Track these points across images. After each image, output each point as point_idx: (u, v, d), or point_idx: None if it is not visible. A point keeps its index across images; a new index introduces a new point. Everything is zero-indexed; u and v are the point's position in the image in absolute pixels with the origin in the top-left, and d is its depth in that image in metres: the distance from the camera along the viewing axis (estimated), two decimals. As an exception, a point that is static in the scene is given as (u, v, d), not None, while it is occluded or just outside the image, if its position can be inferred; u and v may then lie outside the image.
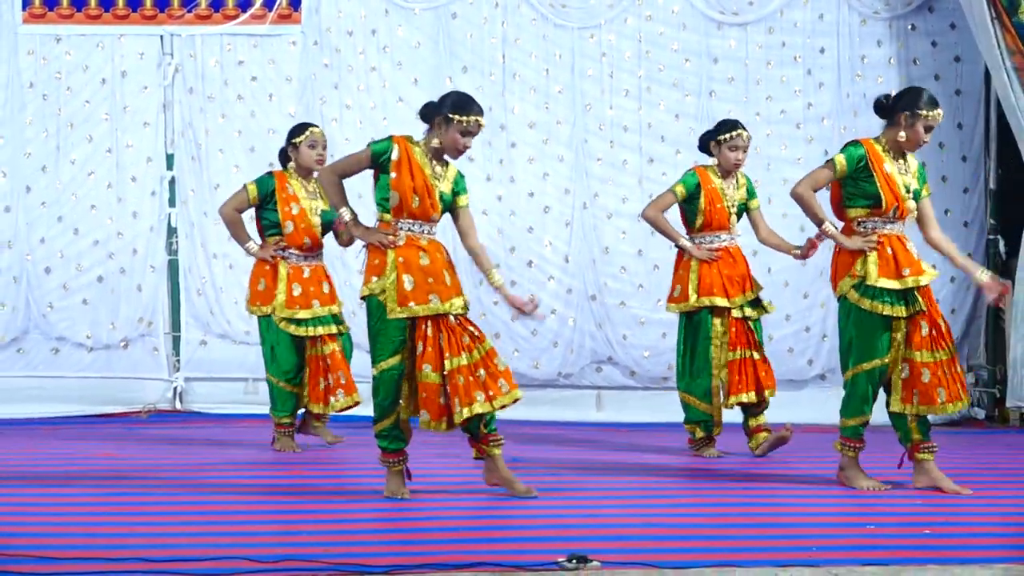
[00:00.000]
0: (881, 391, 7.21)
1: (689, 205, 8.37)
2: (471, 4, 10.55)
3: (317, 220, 8.51)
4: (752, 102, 10.56)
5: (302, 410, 8.70)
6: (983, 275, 7.34)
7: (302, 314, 8.47)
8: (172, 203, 10.57)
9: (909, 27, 10.61)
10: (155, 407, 10.47)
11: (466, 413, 6.70)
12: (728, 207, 8.40)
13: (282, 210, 8.44)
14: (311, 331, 8.53)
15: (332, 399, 8.60)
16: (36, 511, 6.55)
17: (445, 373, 6.71)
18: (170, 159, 10.58)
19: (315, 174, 8.42)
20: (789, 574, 5.29)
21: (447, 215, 6.93)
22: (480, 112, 6.81)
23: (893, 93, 7.24)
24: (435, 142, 6.81)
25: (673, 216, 8.50)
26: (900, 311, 7.07)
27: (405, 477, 6.88)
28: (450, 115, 6.75)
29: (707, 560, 5.49)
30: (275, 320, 8.48)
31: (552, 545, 5.59)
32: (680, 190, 8.33)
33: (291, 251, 8.51)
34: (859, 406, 7.13)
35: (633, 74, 10.60)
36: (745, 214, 8.50)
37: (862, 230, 7.12)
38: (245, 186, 8.51)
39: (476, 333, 6.79)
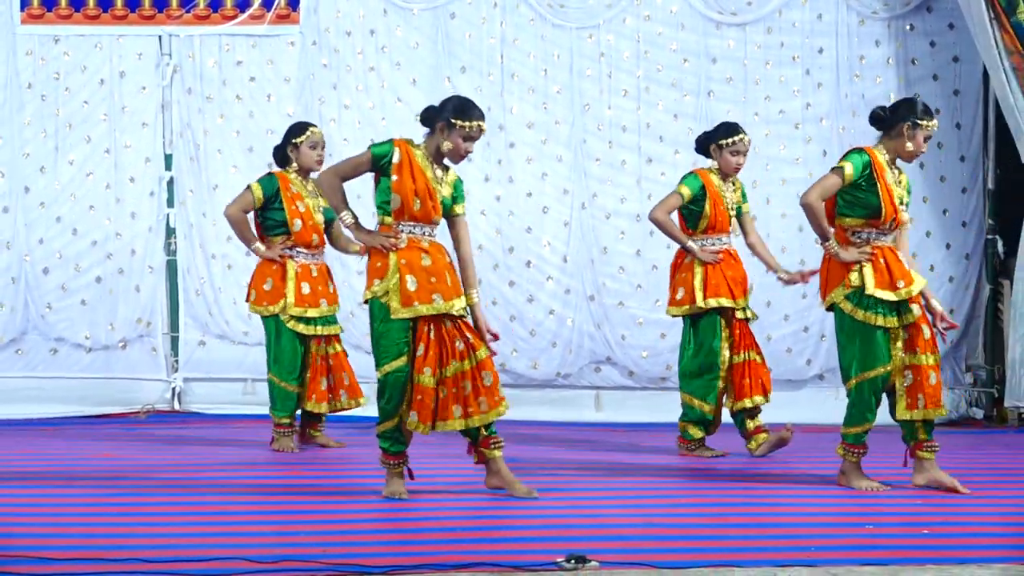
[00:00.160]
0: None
1: (692, 208, 8.35)
2: (469, 4, 10.55)
3: (321, 217, 8.54)
4: (751, 102, 10.56)
5: (298, 411, 8.71)
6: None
7: (312, 313, 8.50)
8: (171, 203, 10.57)
9: (907, 27, 10.61)
10: (154, 407, 10.47)
11: (439, 427, 6.76)
12: (728, 210, 8.41)
13: (289, 209, 8.45)
14: (320, 330, 8.56)
15: (335, 400, 8.65)
16: (35, 511, 6.55)
17: (439, 380, 6.74)
18: (168, 159, 10.58)
19: (313, 175, 8.42)
20: (788, 574, 5.30)
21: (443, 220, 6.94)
22: (482, 117, 6.82)
23: (892, 99, 7.27)
24: (437, 146, 6.82)
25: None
26: (892, 322, 7.09)
27: (406, 478, 6.88)
28: (453, 120, 6.75)
29: (706, 560, 5.49)
30: (283, 319, 8.48)
31: (551, 545, 5.59)
32: (686, 192, 8.32)
33: (298, 250, 8.53)
34: (863, 414, 7.13)
35: (631, 74, 10.60)
36: (736, 217, 8.49)
37: (856, 240, 7.11)
38: (250, 187, 8.50)
39: (471, 340, 6.79)
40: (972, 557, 5.56)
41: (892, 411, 7.20)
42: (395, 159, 6.74)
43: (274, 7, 10.51)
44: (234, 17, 10.54)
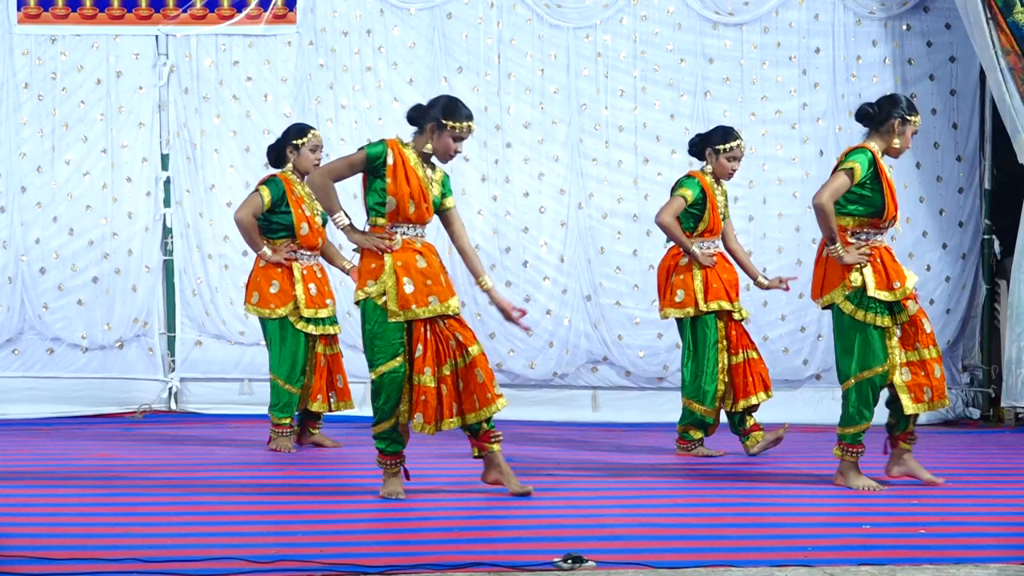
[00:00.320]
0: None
1: (692, 211, 8.34)
2: (466, 4, 10.55)
3: (320, 220, 8.54)
4: (747, 102, 10.56)
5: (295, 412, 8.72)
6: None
7: (322, 313, 8.52)
8: (167, 203, 10.56)
9: (904, 27, 10.61)
10: (150, 407, 10.46)
11: (443, 426, 6.76)
12: (721, 213, 8.43)
13: (296, 212, 8.45)
14: (327, 329, 8.58)
15: (332, 401, 8.67)
16: (31, 511, 6.55)
17: (438, 379, 6.75)
18: (165, 159, 10.57)
19: (306, 177, 8.43)
20: (785, 574, 5.29)
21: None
22: (471, 117, 6.83)
23: (891, 95, 7.27)
24: (427, 147, 6.81)
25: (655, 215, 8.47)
26: (887, 321, 7.10)
27: (403, 478, 6.88)
28: (443, 121, 6.75)
29: (703, 560, 5.49)
30: (292, 321, 8.48)
31: (548, 545, 5.59)
32: (689, 195, 8.31)
33: (303, 252, 8.53)
34: (861, 413, 7.12)
35: (628, 74, 10.60)
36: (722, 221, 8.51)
37: (854, 241, 7.11)
38: (258, 190, 8.48)
39: (462, 339, 6.79)
40: (969, 557, 5.56)
41: (891, 407, 7.20)
42: (389, 161, 6.73)
43: (271, 7, 10.51)
44: (231, 17, 10.53)
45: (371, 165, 6.74)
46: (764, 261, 10.18)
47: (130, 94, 10.55)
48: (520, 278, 10.54)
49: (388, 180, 6.72)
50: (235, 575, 5.19)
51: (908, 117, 7.08)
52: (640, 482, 7.55)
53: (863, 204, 7.06)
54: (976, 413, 10.52)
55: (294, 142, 8.51)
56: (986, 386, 10.56)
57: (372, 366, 6.77)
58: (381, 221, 6.78)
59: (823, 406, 10.13)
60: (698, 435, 8.42)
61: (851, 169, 7.00)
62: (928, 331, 7.15)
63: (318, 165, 8.40)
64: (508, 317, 6.97)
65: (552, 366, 10.58)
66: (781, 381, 10.34)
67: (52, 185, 10.50)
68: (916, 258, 10.41)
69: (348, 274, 8.47)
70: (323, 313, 8.56)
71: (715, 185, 8.40)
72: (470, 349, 6.78)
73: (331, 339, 8.67)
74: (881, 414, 7.24)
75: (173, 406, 10.51)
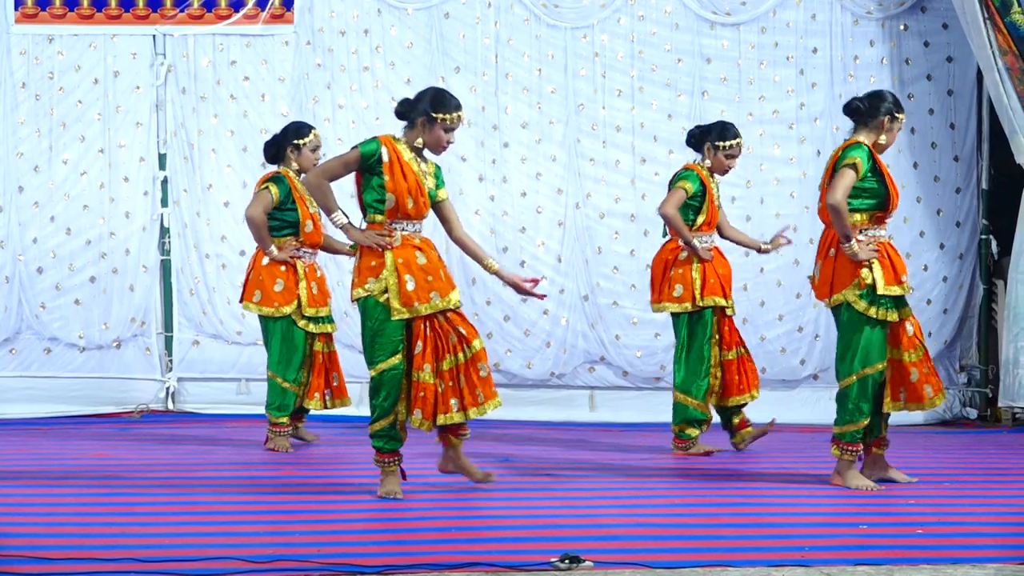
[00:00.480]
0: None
1: (691, 203, 8.36)
2: (464, 4, 10.55)
3: (321, 217, 8.56)
4: (745, 102, 10.56)
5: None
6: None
7: (322, 312, 8.53)
8: (165, 203, 10.56)
9: (902, 27, 10.61)
10: (148, 407, 10.45)
11: (440, 420, 6.81)
12: (718, 207, 8.44)
13: (302, 210, 8.46)
14: (326, 328, 8.60)
15: (327, 399, 8.67)
16: (28, 511, 6.55)
17: (436, 374, 6.77)
18: (163, 159, 10.57)
19: (302, 176, 8.43)
20: (782, 574, 5.30)
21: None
22: (459, 106, 6.86)
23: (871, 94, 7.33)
24: (418, 141, 6.83)
25: (653, 214, 8.49)
26: (896, 316, 7.12)
27: (400, 477, 6.89)
28: (433, 114, 6.77)
29: (700, 560, 5.49)
30: (296, 319, 8.48)
31: (545, 545, 5.59)
32: (689, 188, 8.33)
33: (305, 250, 8.54)
34: (860, 409, 7.11)
35: (626, 74, 10.59)
36: None
37: (861, 237, 7.11)
38: (268, 188, 8.46)
39: (464, 332, 6.81)
40: (967, 557, 5.56)
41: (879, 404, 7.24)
42: (384, 158, 6.74)
43: (268, 7, 10.50)
44: (228, 17, 10.53)
45: (366, 163, 6.75)
46: (762, 261, 10.17)
47: (127, 94, 10.55)
48: (518, 278, 10.52)
49: (386, 177, 6.73)
50: (232, 575, 5.19)
51: (896, 114, 7.16)
52: (637, 482, 7.56)
53: (869, 197, 7.07)
54: (973, 413, 10.51)
55: (295, 142, 8.50)
56: (983, 386, 10.56)
57: (372, 363, 6.78)
58: (379, 218, 6.79)
59: (820, 406, 10.11)
60: (695, 432, 8.42)
61: (854, 164, 7.02)
62: (911, 334, 7.15)
63: (316, 165, 8.41)
64: (522, 290, 6.98)
65: (549, 366, 10.58)
66: (779, 381, 10.36)
67: (49, 185, 10.50)
68: (913, 258, 10.40)
69: (351, 254, 8.31)
70: (323, 312, 8.58)
71: (710, 178, 8.44)
72: (473, 343, 6.80)
73: (328, 337, 8.69)
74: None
75: (170, 406, 10.51)
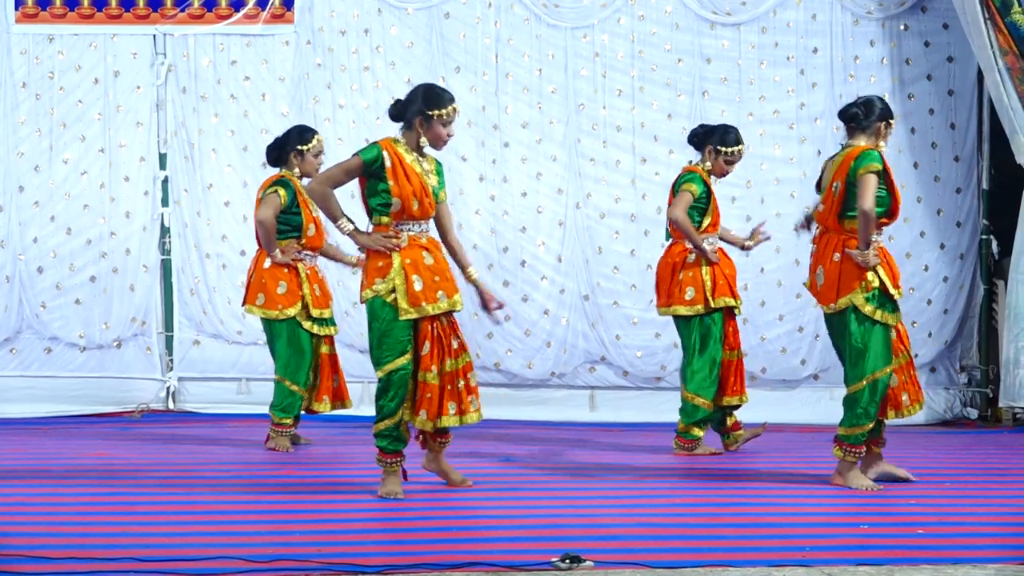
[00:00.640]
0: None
1: (697, 206, 8.36)
2: (464, 4, 10.55)
3: (323, 222, 8.56)
4: (745, 102, 10.56)
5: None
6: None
7: (326, 314, 8.54)
8: (165, 203, 10.56)
9: (902, 27, 10.61)
10: (148, 407, 10.45)
11: (440, 423, 6.84)
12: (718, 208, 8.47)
13: (305, 214, 8.47)
14: (330, 330, 8.61)
15: (328, 400, 8.69)
16: (29, 511, 6.55)
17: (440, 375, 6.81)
18: (163, 159, 10.57)
19: (303, 182, 8.42)
20: (783, 574, 5.30)
21: None
22: (453, 99, 6.90)
23: (887, 99, 7.34)
24: (418, 139, 6.83)
25: (653, 214, 8.49)
26: (896, 319, 7.17)
27: (401, 478, 6.89)
28: (428, 112, 6.78)
29: (701, 560, 5.49)
30: (301, 321, 8.48)
31: (545, 545, 5.60)
32: (695, 190, 8.33)
33: (307, 253, 8.54)
34: (869, 413, 7.11)
35: (626, 74, 10.59)
36: None
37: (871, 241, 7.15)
38: (277, 191, 8.43)
39: (462, 339, 6.94)
40: (967, 557, 5.57)
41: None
42: (387, 163, 6.76)
43: (268, 7, 10.50)
44: (229, 16, 10.53)
45: (368, 170, 6.76)
46: (761, 261, 10.18)
47: (128, 93, 10.55)
48: (518, 278, 10.53)
49: (390, 182, 6.74)
50: (233, 574, 5.19)
51: (891, 120, 7.25)
52: (638, 482, 7.55)
53: (878, 205, 7.07)
54: (974, 413, 10.51)
55: (299, 147, 8.50)
56: (984, 386, 10.56)
57: (379, 364, 6.79)
58: (385, 220, 6.80)
59: (820, 406, 10.13)
60: (700, 433, 8.42)
61: (877, 172, 7.04)
62: (894, 339, 7.20)
63: (319, 170, 8.39)
64: (486, 306, 7.09)
65: (550, 366, 10.58)
66: (779, 381, 10.37)
67: (50, 184, 10.50)
68: (914, 258, 10.41)
69: (358, 265, 8.41)
70: (326, 314, 8.59)
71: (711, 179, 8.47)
72: (466, 353, 6.91)
73: (332, 339, 8.70)
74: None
75: (171, 405, 10.51)
